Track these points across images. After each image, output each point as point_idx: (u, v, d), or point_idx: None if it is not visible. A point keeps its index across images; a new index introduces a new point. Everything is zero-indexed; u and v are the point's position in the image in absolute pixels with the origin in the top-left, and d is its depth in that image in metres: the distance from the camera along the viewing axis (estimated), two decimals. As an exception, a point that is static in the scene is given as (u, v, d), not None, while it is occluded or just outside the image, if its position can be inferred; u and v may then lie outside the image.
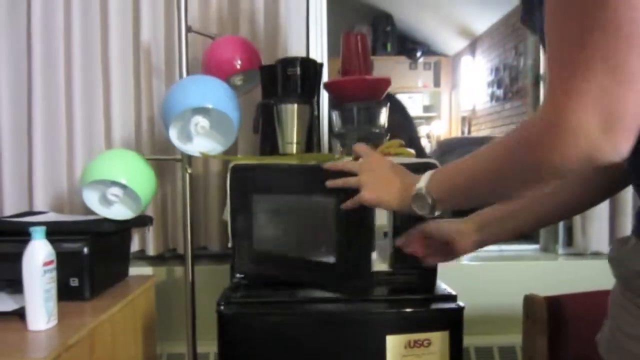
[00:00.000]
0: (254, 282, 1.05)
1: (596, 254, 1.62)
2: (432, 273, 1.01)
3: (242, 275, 1.06)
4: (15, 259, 1.05)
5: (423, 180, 0.70)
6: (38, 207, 1.50)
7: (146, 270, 1.52)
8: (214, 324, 1.04)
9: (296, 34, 1.46)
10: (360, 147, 0.87)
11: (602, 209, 1.58)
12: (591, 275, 1.59)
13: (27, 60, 1.49)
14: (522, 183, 0.54)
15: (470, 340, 1.54)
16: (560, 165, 0.47)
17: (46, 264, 0.98)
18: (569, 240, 1.68)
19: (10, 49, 1.50)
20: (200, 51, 1.45)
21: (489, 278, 1.60)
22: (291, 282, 1.02)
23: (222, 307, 0.95)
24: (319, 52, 1.50)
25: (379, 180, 0.79)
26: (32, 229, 0.98)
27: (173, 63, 1.47)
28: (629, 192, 1.55)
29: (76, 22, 1.48)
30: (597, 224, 1.59)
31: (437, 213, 0.72)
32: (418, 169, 0.79)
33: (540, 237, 1.77)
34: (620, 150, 0.45)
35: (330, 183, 0.85)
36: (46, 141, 1.49)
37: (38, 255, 0.97)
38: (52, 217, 1.40)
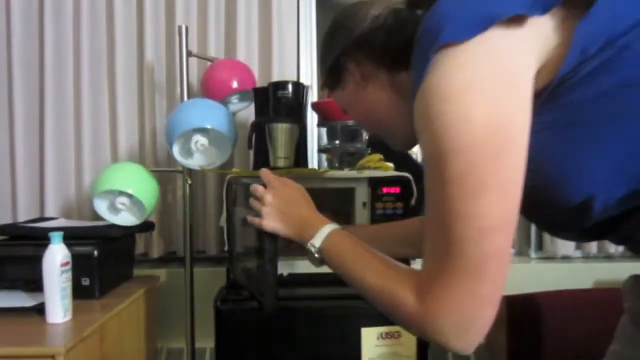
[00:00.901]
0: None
1: (565, 258, 1.76)
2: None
3: (236, 277, 1.19)
4: (32, 261, 1.18)
5: (318, 238, 0.71)
6: (49, 213, 1.62)
7: (149, 271, 1.64)
8: (210, 321, 1.17)
9: (288, 56, 1.59)
10: (265, 174, 0.84)
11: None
12: (559, 276, 1.74)
13: (39, 77, 1.62)
14: (389, 314, 0.61)
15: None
16: (422, 337, 0.57)
17: (63, 265, 1.10)
18: (540, 245, 1.81)
19: (25, 67, 1.62)
20: (199, 69, 1.58)
21: None
22: (280, 283, 1.15)
23: (219, 304, 1.08)
24: (309, 73, 1.64)
25: (278, 211, 0.78)
26: (51, 234, 1.11)
27: (174, 81, 1.60)
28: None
29: (85, 42, 1.60)
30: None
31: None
32: (394, 181, 0.92)
33: (515, 242, 1.91)
34: (469, 349, 0.54)
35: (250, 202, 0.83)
36: (56, 152, 1.62)
37: (56, 257, 1.09)
38: (62, 222, 1.52)
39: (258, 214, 0.79)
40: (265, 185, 0.81)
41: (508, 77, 0.50)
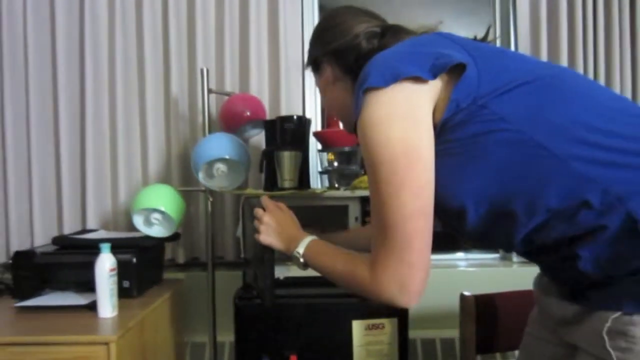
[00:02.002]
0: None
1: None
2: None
3: (250, 279, 1.44)
4: (83, 267, 1.43)
5: (301, 246, 0.93)
6: (90, 225, 1.87)
7: (175, 275, 1.87)
8: (228, 318, 1.40)
9: (295, 91, 1.84)
10: (265, 200, 1.06)
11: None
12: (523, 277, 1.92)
13: (80, 108, 1.86)
14: (355, 291, 0.83)
15: (436, 333, 1.87)
16: (376, 300, 0.78)
17: (111, 270, 1.35)
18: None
19: (68, 99, 1.86)
20: (217, 102, 1.83)
21: (456, 282, 1.89)
22: (288, 283, 1.39)
23: (237, 301, 1.33)
24: (313, 105, 1.89)
25: (272, 229, 1.01)
26: (102, 245, 1.35)
27: (196, 112, 1.85)
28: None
29: (119, 77, 1.84)
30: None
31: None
32: None
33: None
34: (411, 303, 0.75)
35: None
36: (96, 173, 1.86)
37: (106, 263, 1.34)
38: (103, 234, 1.77)
39: (258, 231, 1.03)
40: (264, 209, 1.05)
41: (414, 113, 0.72)
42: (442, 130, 0.73)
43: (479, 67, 0.73)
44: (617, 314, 0.68)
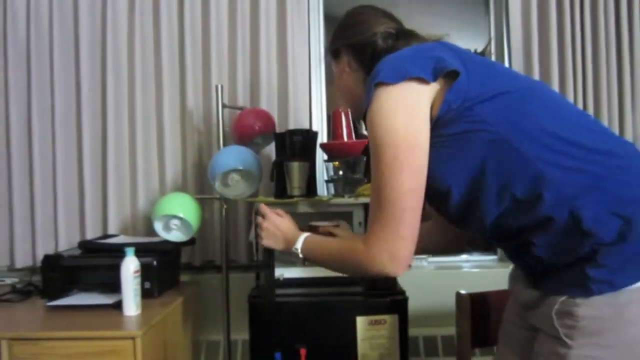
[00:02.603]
0: (272, 284, 1.55)
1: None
2: (394, 278, 1.50)
3: (263, 280, 1.56)
4: (107, 269, 1.56)
5: (299, 243, 1.04)
6: (110, 230, 2.00)
7: (191, 277, 2.00)
8: (241, 317, 1.51)
9: (302, 105, 1.97)
10: (262, 208, 1.16)
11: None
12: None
13: (101, 120, 2.00)
14: (352, 273, 0.98)
15: (437, 331, 1.98)
16: (369, 275, 0.90)
17: (135, 272, 1.47)
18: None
19: (91, 113, 2.00)
20: (230, 114, 1.96)
21: (457, 282, 1.98)
22: (298, 283, 1.51)
23: (252, 300, 1.45)
24: (319, 119, 2.02)
25: (271, 233, 1.12)
26: (126, 249, 1.47)
27: (210, 124, 1.97)
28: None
29: (138, 92, 1.98)
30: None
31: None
32: None
33: (498, 250, 2.23)
34: (398, 272, 0.86)
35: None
36: (116, 182, 1.99)
37: (130, 266, 1.46)
38: (123, 239, 1.89)
39: (259, 236, 1.15)
40: (263, 216, 1.17)
41: (415, 107, 0.85)
42: (436, 125, 0.86)
43: (470, 75, 0.85)
44: (564, 297, 0.81)
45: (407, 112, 0.84)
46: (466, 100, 0.83)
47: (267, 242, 1.13)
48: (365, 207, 1.54)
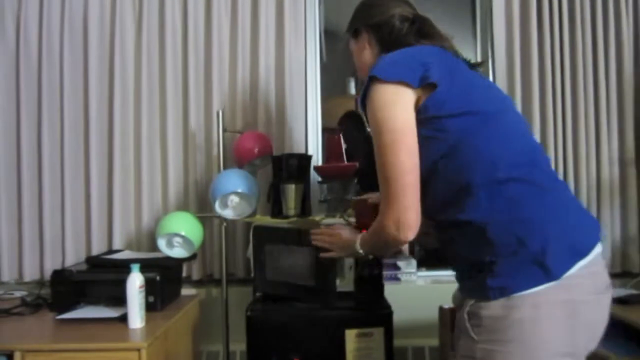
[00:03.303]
0: (268, 298, 1.66)
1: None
2: (379, 292, 1.62)
3: (260, 294, 1.68)
4: (114, 284, 1.66)
5: (357, 245, 1.22)
6: (116, 246, 2.11)
7: (191, 290, 2.09)
8: (240, 329, 1.61)
9: (299, 129, 2.10)
10: (314, 232, 1.42)
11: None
12: None
13: (108, 141, 2.12)
14: (387, 248, 1.18)
15: (424, 342, 2.08)
16: (392, 244, 1.09)
17: (140, 287, 1.57)
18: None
19: (99, 134, 2.11)
20: (231, 137, 2.07)
21: (444, 296, 2.10)
22: (291, 298, 1.62)
23: (249, 313, 1.56)
24: (314, 142, 2.14)
25: (339, 246, 1.32)
26: (132, 265, 1.57)
27: (211, 144, 2.09)
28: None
29: (144, 113, 2.10)
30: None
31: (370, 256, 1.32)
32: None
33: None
34: (408, 237, 1.02)
35: (314, 243, 1.41)
36: (121, 200, 2.10)
37: (136, 281, 1.56)
38: (128, 254, 2.00)
39: (326, 250, 1.36)
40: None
41: (404, 102, 1.02)
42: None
43: (451, 88, 1.02)
44: (473, 301, 1.00)
45: (398, 104, 1.01)
46: (440, 110, 1.01)
47: (337, 254, 1.33)
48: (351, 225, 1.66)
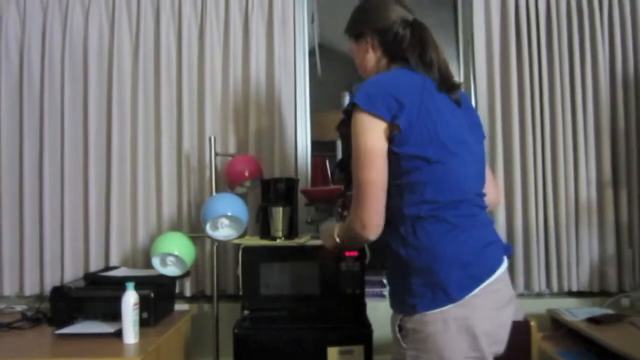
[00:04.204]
0: (256, 316, 1.75)
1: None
2: (361, 311, 1.71)
3: (248, 312, 1.76)
4: (110, 301, 1.75)
5: (335, 231, 1.35)
6: (113, 263, 2.20)
7: (184, 305, 2.18)
8: (230, 343, 1.70)
9: (288, 151, 2.20)
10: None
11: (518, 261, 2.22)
12: None
13: (106, 165, 2.23)
14: (354, 240, 1.28)
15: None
16: (358, 238, 1.22)
17: (135, 304, 1.66)
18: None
19: (97, 158, 2.22)
20: (222, 160, 2.17)
21: None
22: (280, 317, 1.71)
23: (236, 331, 1.64)
24: (304, 166, 2.25)
25: (324, 237, 1.46)
26: (127, 284, 1.66)
27: (204, 167, 2.19)
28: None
29: (140, 137, 2.21)
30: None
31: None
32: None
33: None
34: (370, 237, 1.19)
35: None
36: (118, 219, 2.20)
37: (131, 299, 1.64)
38: (124, 271, 2.09)
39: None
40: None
41: (378, 132, 1.17)
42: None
43: (412, 133, 1.17)
44: (401, 316, 1.20)
45: (373, 132, 1.18)
46: (399, 148, 1.17)
47: (324, 241, 1.46)
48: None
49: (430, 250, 1.16)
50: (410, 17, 1.31)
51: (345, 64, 1.79)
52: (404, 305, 1.19)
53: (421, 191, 1.17)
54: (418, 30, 1.29)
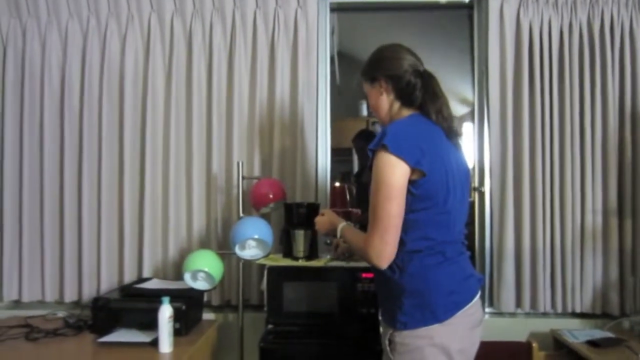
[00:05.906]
0: (279, 330, 1.90)
1: (512, 314, 2.38)
2: (376, 329, 1.85)
3: (272, 325, 1.93)
4: (146, 312, 1.92)
5: (340, 226, 1.53)
6: (145, 274, 2.37)
7: (211, 315, 2.35)
8: (253, 350, 1.85)
9: (310, 175, 2.34)
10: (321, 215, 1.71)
11: (508, 278, 2.35)
12: (502, 327, 2.32)
13: (139, 184, 2.40)
14: (361, 256, 1.42)
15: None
16: (368, 260, 1.37)
17: (169, 317, 1.83)
18: (491, 302, 2.44)
19: (131, 178, 2.40)
20: (248, 182, 2.33)
21: None
22: (301, 332, 1.86)
23: (262, 344, 1.81)
24: (323, 191, 2.38)
25: (320, 222, 1.65)
26: (163, 298, 1.83)
27: (232, 186, 2.35)
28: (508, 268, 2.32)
29: (172, 160, 2.38)
30: (505, 292, 2.35)
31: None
32: (369, 269, 1.66)
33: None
34: (382, 266, 1.35)
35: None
36: (151, 234, 2.37)
37: (166, 312, 1.81)
38: (156, 282, 2.26)
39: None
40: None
41: (402, 172, 1.31)
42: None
43: (431, 178, 1.32)
44: (391, 330, 1.38)
45: (397, 170, 1.30)
46: (419, 189, 1.32)
47: (320, 228, 1.65)
48: (355, 269, 1.90)
49: (424, 277, 1.35)
50: (421, 67, 1.46)
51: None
52: (394, 321, 1.37)
53: (424, 228, 1.35)
54: (428, 80, 1.44)
